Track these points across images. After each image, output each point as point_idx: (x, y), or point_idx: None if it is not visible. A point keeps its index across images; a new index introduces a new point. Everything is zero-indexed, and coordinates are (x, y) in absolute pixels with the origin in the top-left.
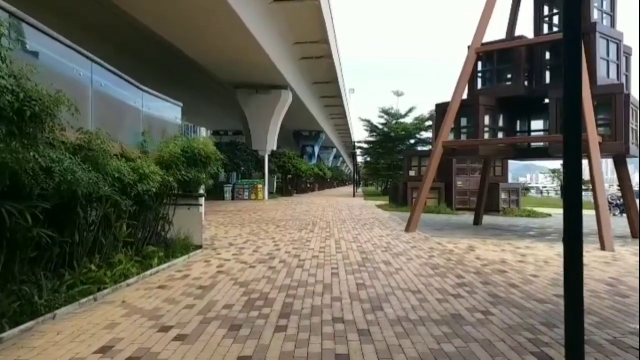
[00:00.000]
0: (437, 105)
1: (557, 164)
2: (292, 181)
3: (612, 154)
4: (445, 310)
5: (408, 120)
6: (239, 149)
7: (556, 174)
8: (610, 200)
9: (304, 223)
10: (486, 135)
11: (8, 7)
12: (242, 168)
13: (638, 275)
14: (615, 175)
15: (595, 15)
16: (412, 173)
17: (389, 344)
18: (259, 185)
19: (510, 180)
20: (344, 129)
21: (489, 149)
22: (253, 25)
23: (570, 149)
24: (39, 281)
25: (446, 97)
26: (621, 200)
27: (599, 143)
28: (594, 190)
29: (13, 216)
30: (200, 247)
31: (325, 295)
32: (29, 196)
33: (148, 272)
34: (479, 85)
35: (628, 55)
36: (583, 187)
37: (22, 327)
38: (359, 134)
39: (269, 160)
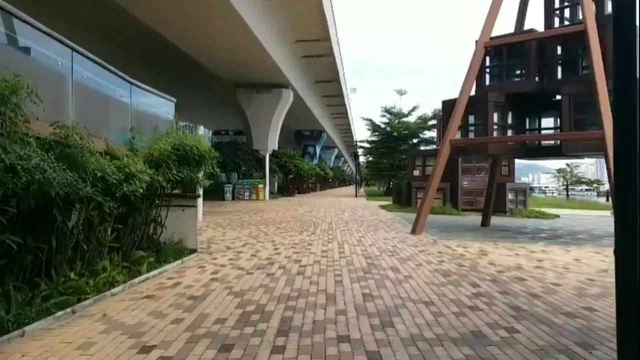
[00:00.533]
0: (444, 102)
1: (562, 163)
2: (293, 181)
3: None
4: (464, 327)
5: (411, 119)
6: (240, 149)
7: (562, 174)
8: None
9: (306, 225)
10: (495, 133)
11: None
12: (243, 168)
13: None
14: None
15: (609, 7)
16: (416, 173)
17: None
18: (260, 186)
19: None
20: (345, 129)
21: (498, 147)
22: (253, 22)
23: (621, 148)
24: (8, 293)
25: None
26: None
27: None
28: (611, 189)
29: None
30: (195, 251)
31: (328, 307)
32: None
33: (136, 280)
34: (487, 82)
35: None
36: (589, 187)
37: None
38: (361, 133)
39: (270, 160)
